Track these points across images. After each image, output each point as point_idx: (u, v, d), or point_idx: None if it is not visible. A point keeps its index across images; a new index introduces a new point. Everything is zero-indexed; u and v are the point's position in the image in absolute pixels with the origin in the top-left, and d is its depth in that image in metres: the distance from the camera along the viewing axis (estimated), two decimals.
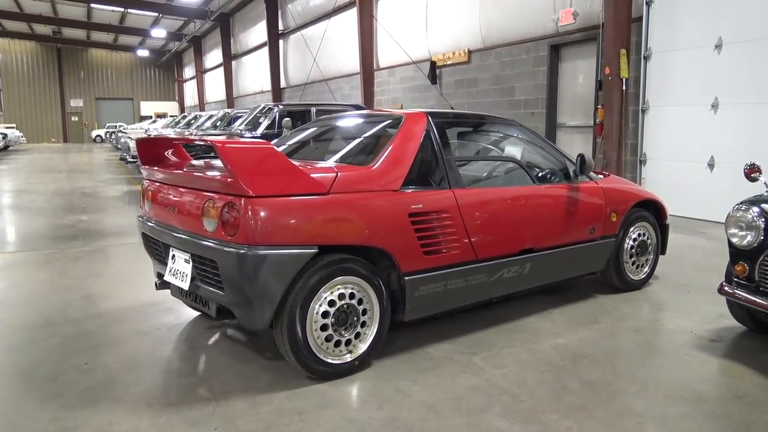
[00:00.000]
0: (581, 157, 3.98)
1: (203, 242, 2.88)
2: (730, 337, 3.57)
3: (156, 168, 3.38)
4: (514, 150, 4.14)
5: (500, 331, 3.65)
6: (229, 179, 2.74)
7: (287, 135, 4.30)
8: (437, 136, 3.48)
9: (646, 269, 4.56)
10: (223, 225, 2.79)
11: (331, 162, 3.28)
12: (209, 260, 2.88)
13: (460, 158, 3.65)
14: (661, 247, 4.68)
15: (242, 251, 2.68)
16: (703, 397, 2.77)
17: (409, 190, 3.20)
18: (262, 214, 2.70)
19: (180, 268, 3.17)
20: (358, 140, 3.72)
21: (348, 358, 3.00)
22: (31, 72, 41.58)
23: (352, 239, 2.95)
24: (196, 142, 3.18)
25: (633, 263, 4.47)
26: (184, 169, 3.28)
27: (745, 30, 7.20)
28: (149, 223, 3.48)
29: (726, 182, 7.47)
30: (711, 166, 7.69)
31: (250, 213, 2.69)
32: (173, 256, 3.26)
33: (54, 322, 3.83)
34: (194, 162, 3.63)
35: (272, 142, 4.25)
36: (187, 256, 3.09)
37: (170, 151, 3.68)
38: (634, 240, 4.45)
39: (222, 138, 2.87)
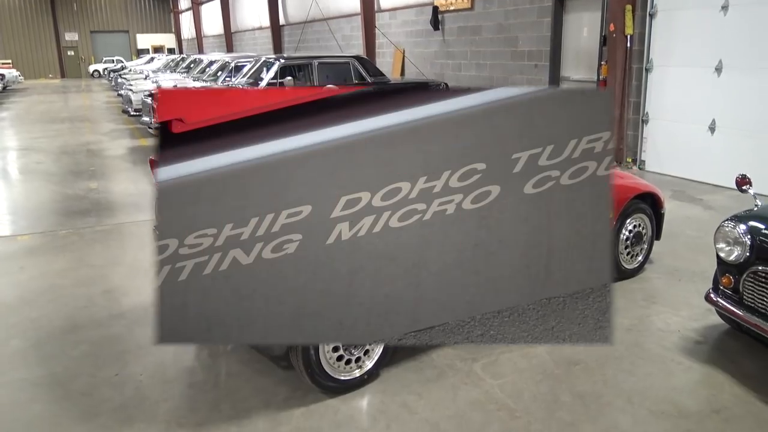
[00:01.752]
0: None
1: None
2: (714, 337, 3.81)
3: None
4: None
5: None
6: None
7: None
8: None
9: (639, 258, 4.75)
10: None
11: None
12: None
13: None
14: (657, 234, 4.85)
15: None
16: (683, 411, 3.03)
17: None
18: None
19: None
20: None
21: (357, 373, 3.25)
22: (22, 5, 40.51)
23: None
24: None
25: (628, 253, 4.66)
26: None
27: None
28: None
29: (726, 146, 7.56)
30: (712, 129, 7.74)
31: None
32: None
33: (81, 325, 4.08)
34: None
35: None
36: None
37: None
38: (630, 231, 4.62)
39: None
